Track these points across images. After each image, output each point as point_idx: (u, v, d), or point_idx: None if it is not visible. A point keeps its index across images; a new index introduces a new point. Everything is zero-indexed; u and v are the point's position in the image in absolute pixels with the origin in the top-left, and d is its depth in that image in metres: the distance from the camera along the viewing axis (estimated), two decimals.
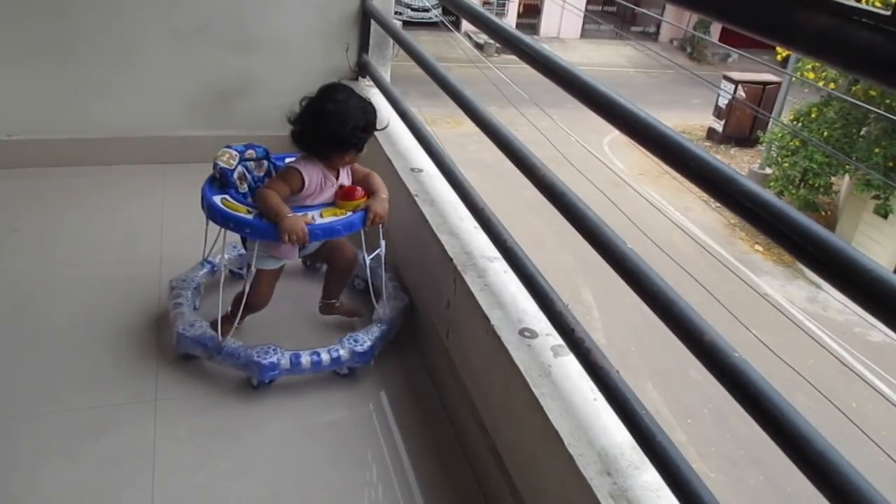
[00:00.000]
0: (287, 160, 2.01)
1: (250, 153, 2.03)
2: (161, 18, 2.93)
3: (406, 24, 18.69)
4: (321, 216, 1.89)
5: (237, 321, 1.97)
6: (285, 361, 1.89)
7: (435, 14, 19.42)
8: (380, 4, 3.03)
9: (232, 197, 1.92)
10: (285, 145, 1.99)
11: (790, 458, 0.87)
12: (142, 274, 2.36)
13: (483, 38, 18.79)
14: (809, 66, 12.88)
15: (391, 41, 3.09)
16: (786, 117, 13.86)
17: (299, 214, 1.84)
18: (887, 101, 11.43)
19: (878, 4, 8.86)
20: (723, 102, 16.38)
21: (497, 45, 2.56)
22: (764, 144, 14.28)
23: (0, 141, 2.90)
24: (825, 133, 12.50)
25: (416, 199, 2.15)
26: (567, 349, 1.42)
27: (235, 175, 1.98)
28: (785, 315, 8.97)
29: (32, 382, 1.90)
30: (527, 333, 1.56)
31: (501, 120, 1.85)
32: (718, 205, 1.03)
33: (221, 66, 3.06)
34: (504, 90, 10.14)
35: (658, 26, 24.43)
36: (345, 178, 1.99)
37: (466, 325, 1.80)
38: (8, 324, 2.11)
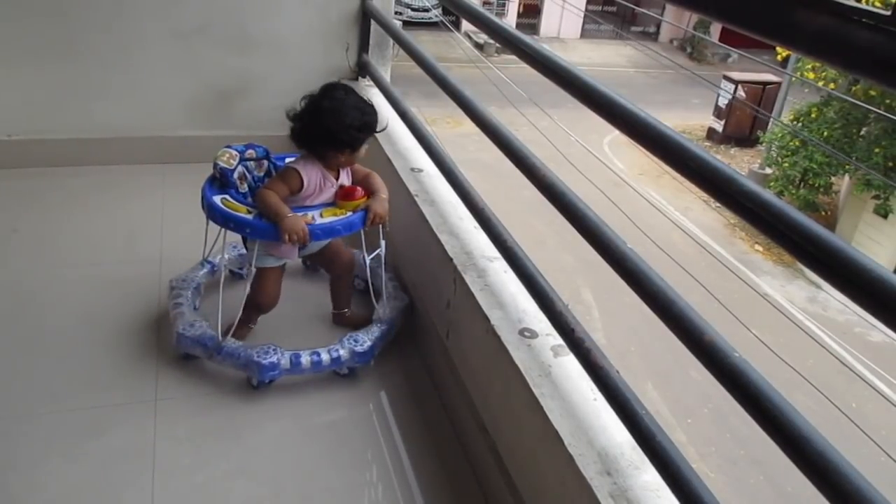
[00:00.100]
0: (287, 160, 2.01)
1: (250, 153, 2.03)
2: (161, 18, 2.93)
3: (406, 24, 18.69)
4: (321, 216, 1.89)
5: (251, 324, 2.04)
6: (285, 361, 1.89)
7: (435, 14, 19.42)
8: (380, 4, 3.03)
9: (232, 197, 1.92)
10: (285, 145, 1.99)
11: (790, 458, 0.87)
12: (142, 274, 2.36)
13: (483, 38, 18.79)
14: (809, 66, 12.89)
15: (391, 41, 3.09)
16: (786, 117, 13.86)
17: (299, 214, 1.84)
18: (887, 101, 11.43)
19: (878, 4, 8.86)
20: (723, 102, 16.38)
21: (497, 45, 2.56)
22: (764, 144, 14.28)
23: (0, 141, 2.90)
24: (825, 133, 12.50)
25: (416, 199, 2.15)
26: (567, 349, 1.42)
27: (235, 175, 1.98)
28: (785, 315, 8.97)
29: (32, 382, 1.90)
30: (527, 333, 1.56)
31: (501, 120, 1.85)
32: (718, 205, 1.03)
33: (221, 66, 3.06)
34: (504, 90, 10.14)
35: (658, 26, 24.44)
36: (345, 179, 1.99)
37: (466, 325, 1.79)
38: (8, 324, 2.11)
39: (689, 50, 23.12)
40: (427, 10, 20.53)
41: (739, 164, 15.38)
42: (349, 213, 1.91)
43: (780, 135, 13.55)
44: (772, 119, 14.13)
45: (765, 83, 16.10)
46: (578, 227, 1.38)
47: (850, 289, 0.81)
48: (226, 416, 1.86)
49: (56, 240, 2.57)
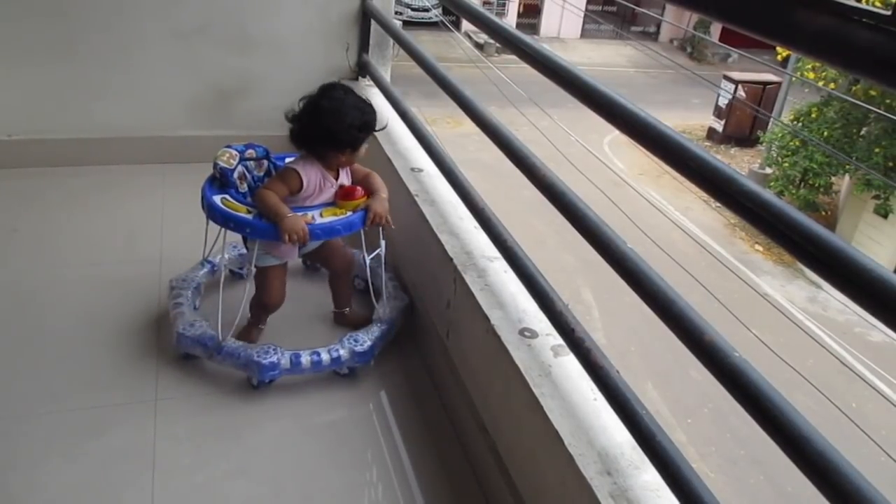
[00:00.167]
0: (287, 160, 2.01)
1: (250, 153, 2.03)
2: (161, 18, 2.93)
3: (406, 23, 18.68)
4: (321, 216, 1.89)
5: (261, 325, 2.05)
6: (285, 361, 1.89)
7: (435, 14, 19.42)
8: (380, 4, 3.03)
9: (232, 197, 1.92)
10: (285, 145, 1.99)
11: (790, 458, 0.87)
12: (142, 274, 2.36)
13: (483, 37, 18.79)
14: (809, 66, 12.88)
15: (391, 41, 3.09)
16: (786, 117, 13.86)
17: (299, 214, 1.84)
18: (887, 101, 11.43)
19: (878, 4, 8.86)
20: (723, 102, 16.38)
21: (497, 44, 2.56)
22: (764, 144, 14.29)
23: (0, 141, 2.90)
24: (825, 133, 12.50)
25: (416, 198, 2.15)
26: (567, 349, 1.42)
27: (235, 175, 1.98)
28: (785, 315, 8.97)
29: (32, 382, 1.90)
30: (527, 333, 1.56)
31: (501, 120, 1.85)
32: (718, 205, 1.03)
33: (221, 65, 3.06)
34: (504, 90, 10.14)
35: (658, 26, 24.43)
36: (344, 179, 1.99)
37: (466, 325, 1.79)
38: (8, 324, 2.11)
39: (689, 50, 23.12)
40: (427, 10, 20.54)
41: (739, 164, 15.38)
42: (349, 213, 1.92)
43: (780, 135, 13.56)
44: (772, 119, 14.14)
45: (765, 83, 16.10)
46: (578, 227, 1.38)
47: (850, 289, 0.81)
48: (226, 416, 1.86)
49: (56, 240, 2.57)
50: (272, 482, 1.68)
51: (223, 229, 1.92)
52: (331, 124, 1.85)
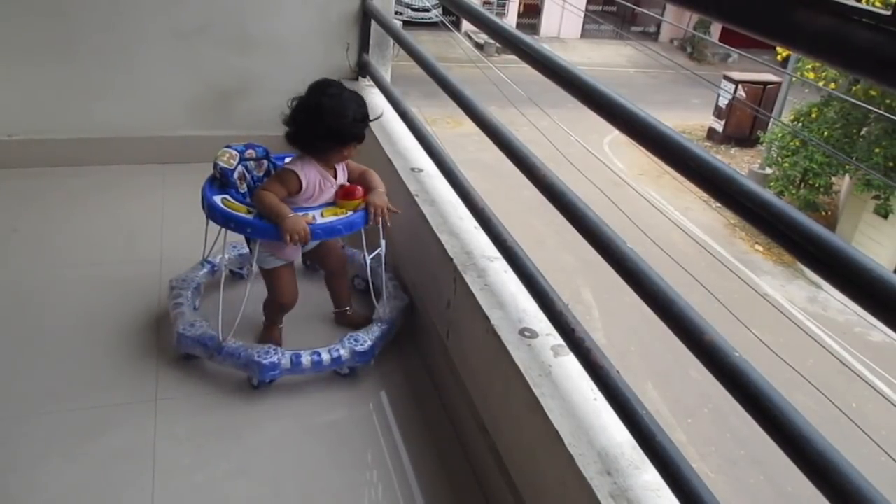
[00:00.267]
0: (286, 160, 2.01)
1: (250, 153, 2.03)
2: (161, 18, 2.93)
3: (406, 24, 18.68)
4: (322, 216, 1.89)
5: (279, 325, 2.06)
6: (285, 361, 1.89)
7: (435, 14, 19.42)
8: (380, 4, 3.03)
9: (232, 197, 1.92)
10: (285, 145, 1.99)
11: (790, 458, 0.87)
12: (142, 274, 2.36)
13: (483, 37, 18.79)
14: (809, 66, 12.88)
15: (391, 41, 3.09)
16: (786, 117, 13.86)
17: (300, 214, 1.84)
18: (887, 101, 11.43)
19: (878, 4, 8.86)
20: (723, 102, 16.38)
21: (497, 45, 2.56)
22: (764, 144, 14.28)
23: (0, 141, 2.90)
24: (825, 133, 12.50)
25: (416, 198, 2.16)
26: (567, 349, 1.42)
27: (235, 175, 1.98)
28: (785, 315, 8.97)
29: (32, 382, 1.90)
30: (527, 333, 1.56)
31: (501, 120, 1.85)
32: (718, 205, 1.03)
33: (222, 65, 3.06)
34: (504, 90, 10.14)
35: (658, 26, 24.43)
36: (341, 176, 1.99)
37: (466, 325, 1.79)
38: (8, 324, 2.11)
39: (689, 50, 23.12)
40: (427, 10, 20.53)
41: (739, 164, 15.38)
42: (350, 213, 1.92)
43: (780, 135, 13.55)
44: (772, 119, 14.13)
45: (765, 83, 16.10)
46: (578, 227, 1.38)
47: (850, 289, 0.81)
48: (226, 416, 1.86)
49: (56, 240, 2.57)
50: (272, 482, 1.68)
51: (223, 229, 1.92)
52: (336, 120, 1.86)
